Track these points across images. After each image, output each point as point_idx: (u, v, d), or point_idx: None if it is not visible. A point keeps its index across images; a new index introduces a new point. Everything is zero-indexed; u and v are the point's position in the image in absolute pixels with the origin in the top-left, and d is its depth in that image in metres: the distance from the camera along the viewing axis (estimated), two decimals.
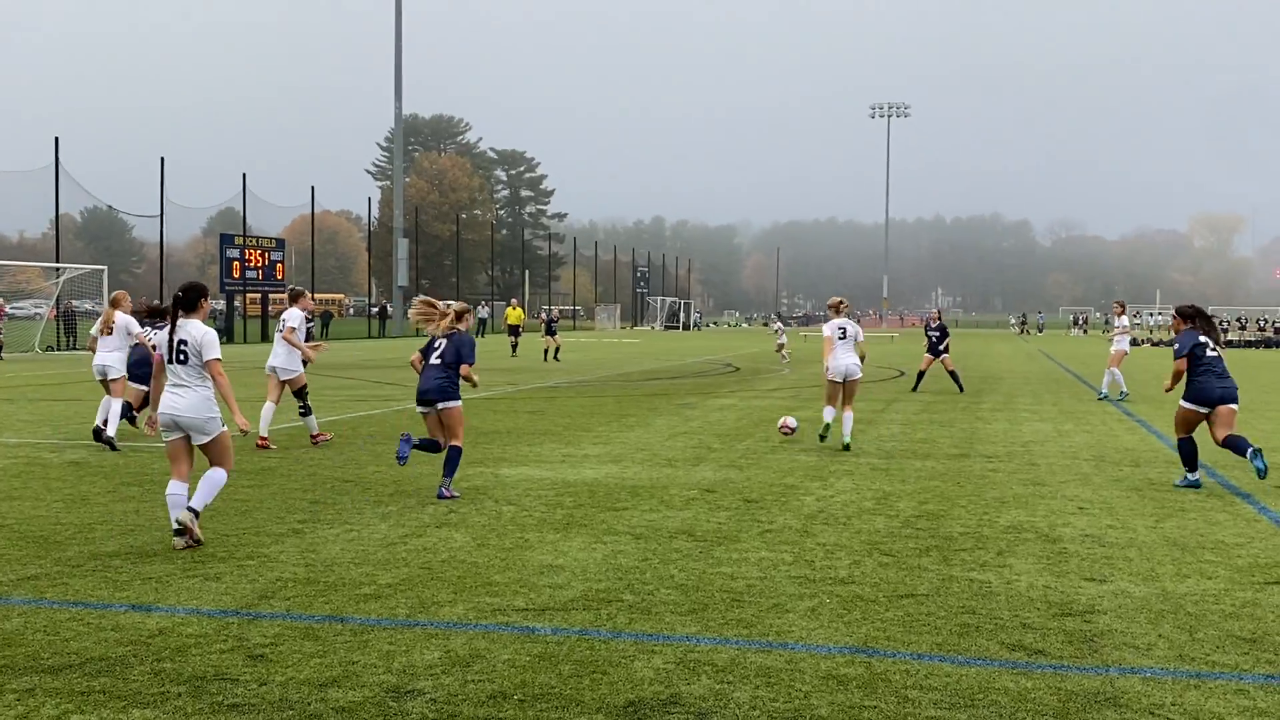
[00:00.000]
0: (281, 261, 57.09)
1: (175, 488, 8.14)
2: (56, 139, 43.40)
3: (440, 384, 10.26)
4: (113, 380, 14.18)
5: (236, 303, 57.13)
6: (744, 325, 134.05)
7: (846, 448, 13.79)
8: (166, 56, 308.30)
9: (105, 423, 13.84)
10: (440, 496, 10.21)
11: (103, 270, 43.04)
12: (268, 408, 14.01)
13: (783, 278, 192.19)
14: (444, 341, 10.40)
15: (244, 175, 54.53)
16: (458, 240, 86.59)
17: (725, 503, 10.21)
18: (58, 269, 43.89)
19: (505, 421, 17.21)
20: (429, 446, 10.41)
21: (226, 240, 53.57)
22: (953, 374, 24.54)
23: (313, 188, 60.39)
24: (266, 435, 13.75)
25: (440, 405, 10.28)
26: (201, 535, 8.19)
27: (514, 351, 39.86)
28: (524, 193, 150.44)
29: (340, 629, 6.16)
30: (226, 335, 53.10)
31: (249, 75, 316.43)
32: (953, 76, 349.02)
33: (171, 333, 8.19)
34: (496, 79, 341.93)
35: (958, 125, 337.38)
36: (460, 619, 6.37)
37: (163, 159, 49.14)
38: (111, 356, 14.33)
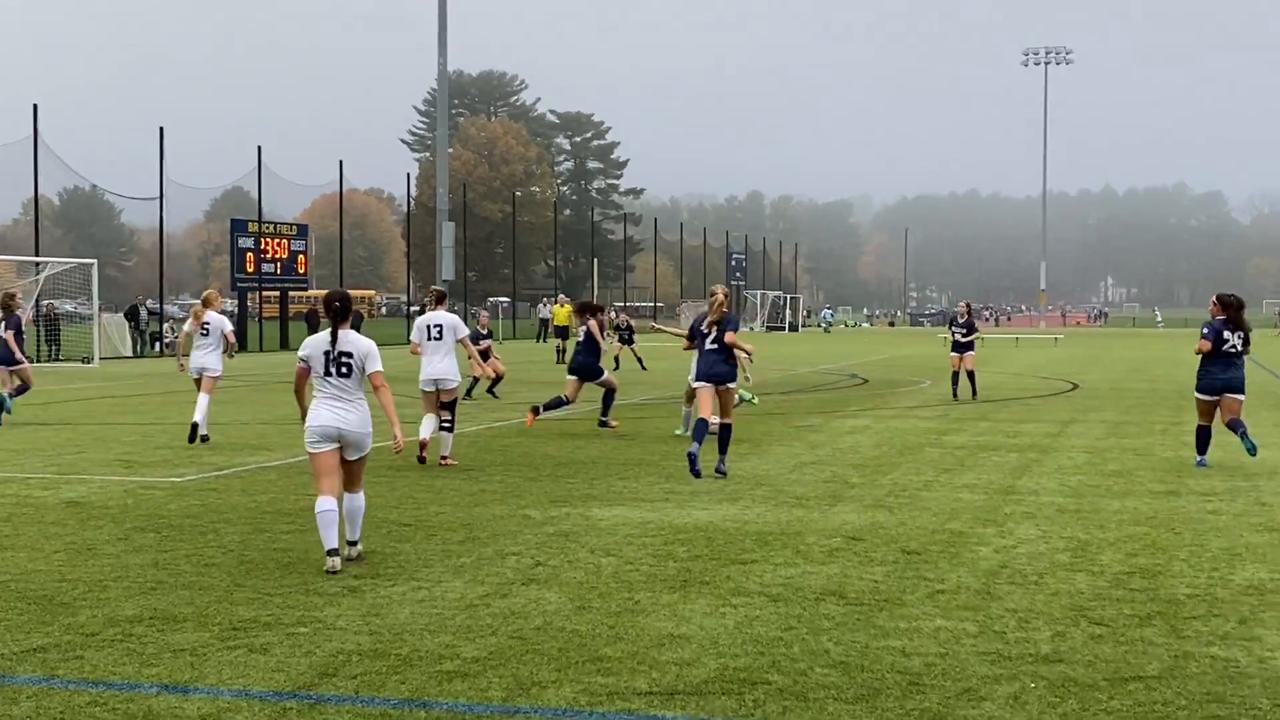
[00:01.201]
0: (304, 252, 57.86)
1: (326, 504, 9.23)
2: (35, 106, 44.46)
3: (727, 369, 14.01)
4: (212, 378, 17.66)
5: (250, 302, 57.96)
6: (864, 325, 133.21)
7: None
8: (158, 10, 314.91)
9: (198, 424, 17.39)
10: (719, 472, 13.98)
11: (91, 264, 43.92)
12: (428, 421, 15.64)
13: (911, 265, 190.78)
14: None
15: (259, 148, 55.36)
16: (513, 223, 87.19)
17: (878, 554, 10.02)
18: (37, 263, 44.86)
19: (589, 448, 17.18)
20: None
21: (238, 227, 54.34)
22: (970, 375, 26.29)
23: (340, 162, 61.15)
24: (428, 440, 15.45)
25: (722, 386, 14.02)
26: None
27: (560, 358, 39.99)
28: (591, 164, 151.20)
29: (423, 717, 6.08)
30: (238, 342, 54.02)
31: (257, 28, 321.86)
32: (1127, 13, 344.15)
33: (333, 344, 9.33)
34: (557, 28, 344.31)
35: (1131, 74, 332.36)
36: (570, 704, 6.26)
37: (161, 129, 50.10)
38: (211, 357, 17.75)
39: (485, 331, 28.09)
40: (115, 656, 7.05)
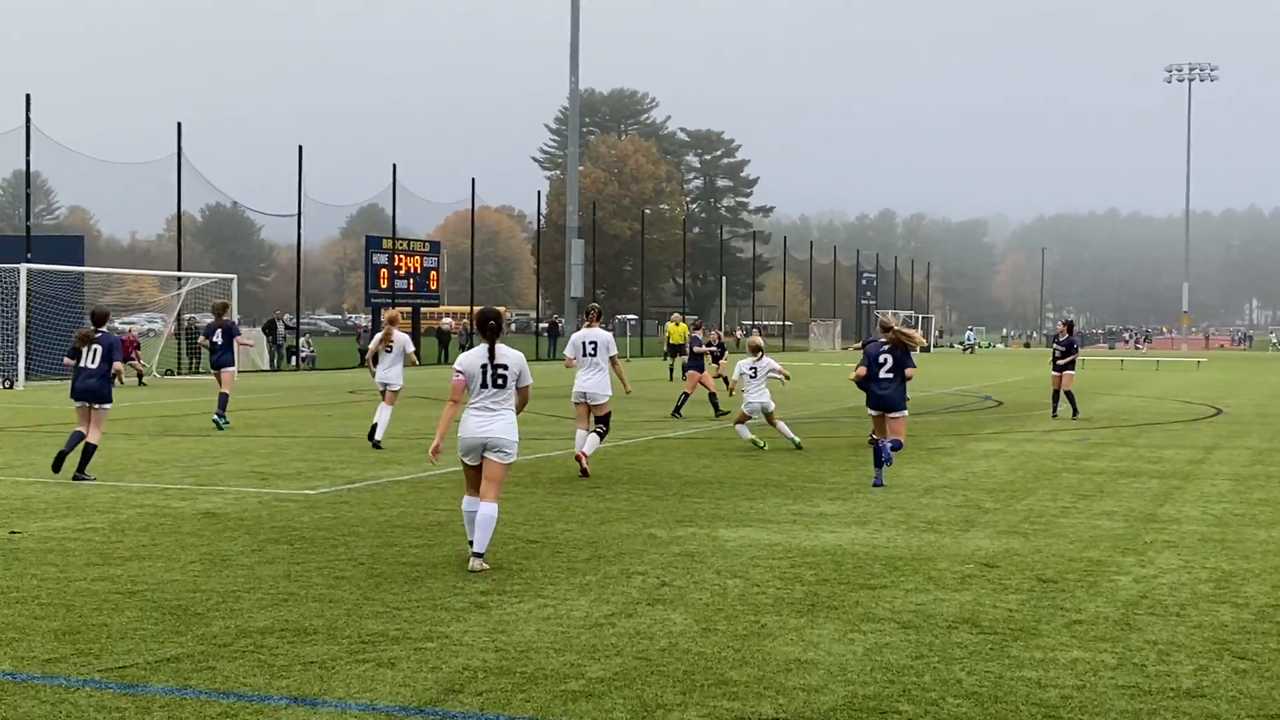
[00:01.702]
0: (436, 269, 58.69)
1: (472, 505, 10.03)
2: (179, 125, 45.74)
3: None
4: (394, 391, 19.37)
5: (382, 317, 58.90)
6: (998, 346, 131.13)
7: None
8: (297, 33, 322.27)
9: (376, 428, 19.14)
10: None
11: (231, 279, 44.99)
12: (581, 434, 16.25)
13: (1047, 286, 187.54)
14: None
15: (394, 166, 56.30)
16: (642, 240, 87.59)
17: (1013, 582, 9.80)
18: (179, 278, 46.08)
19: (714, 468, 17.12)
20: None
21: (373, 243, 55.28)
22: (1068, 395, 26.79)
23: (472, 180, 61.95)
24: (588, 454, 16.00)
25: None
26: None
27: (673, 376, 39.97)
28: (721, 182, 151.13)
29: None
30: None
31: (393, 50, 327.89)
32: (1275, 29, 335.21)
33: (491, 357, 10.02)
34: (687, 46, 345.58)
35: (1278, 91, 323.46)
36: None
37: (300, 148, 51.21)
38: (393, 372, 19.48)
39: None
40: (246, 668, 7.15)
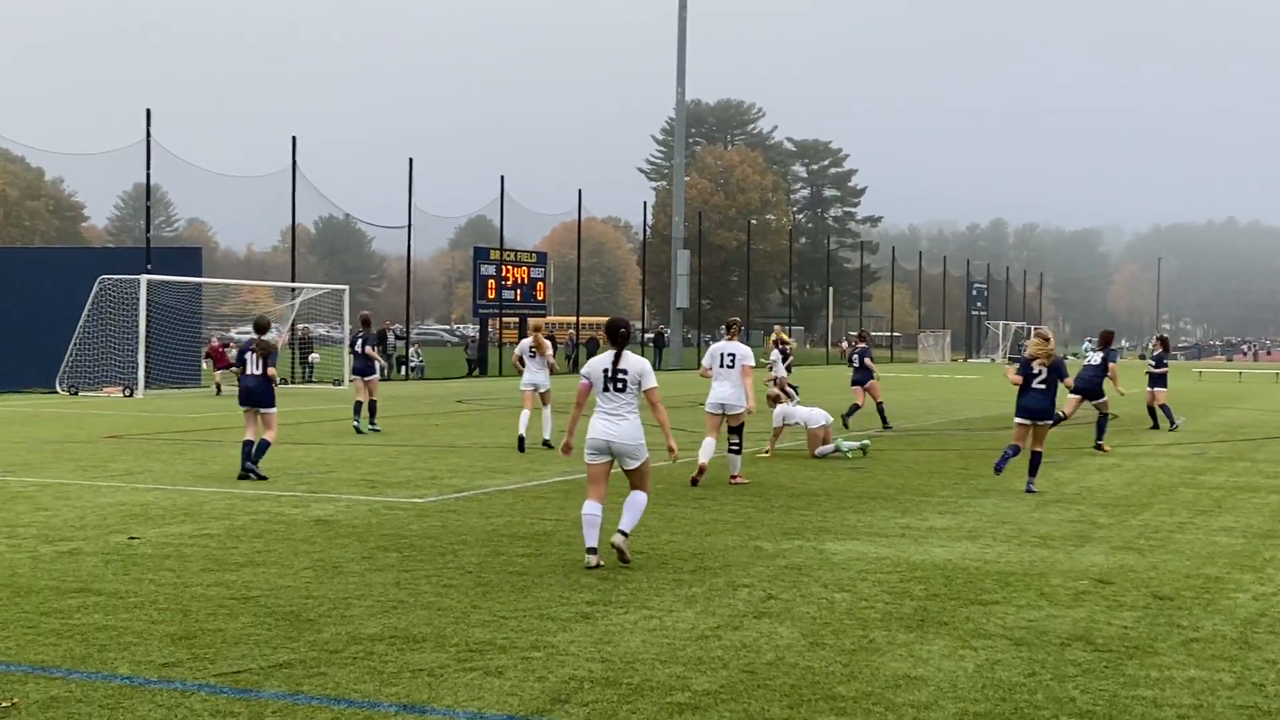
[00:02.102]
0: (542, 279, 59.07)
1: (592, 508, 10.51)
2: (294, 139, 46.53)
3: None
4: (544, 392, 20.92)
5: (491, 327, 59.40)
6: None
7: None
8: (406, 47, 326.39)
9: (530, 432, 20.53)
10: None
11: (343, 290, 45.67)
12: (708, 443, 16.56)
13: (1164, 297, 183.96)
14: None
15: (501, 178, 56.78)
16: (748, 251, 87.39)
17: (1128, 598, 9.61)
18: (293, 289, 46.89)
19: (821, 480, 17.02)
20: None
21: (481, 254, 55.82)
22: (1163, 409, 26.89)
23: (579, 191, 62.23)
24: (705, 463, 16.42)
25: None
26: (630, 556, 10.53)
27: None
28: (828, 192, 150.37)
29: None
30: (479, 366, 55.31)
31: (501, 63, 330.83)
32: None
33: (615, 362, 10.56)
34: (795, 56, 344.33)
35: None
36: None
37: (411, 160, 51.81)
38: (542, 375, 21.00)
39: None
40: (357, 674, 7.24)
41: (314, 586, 9.65)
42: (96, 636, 8.04)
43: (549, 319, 76.43)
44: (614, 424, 10.54)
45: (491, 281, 54.93)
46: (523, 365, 21.33)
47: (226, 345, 37.90)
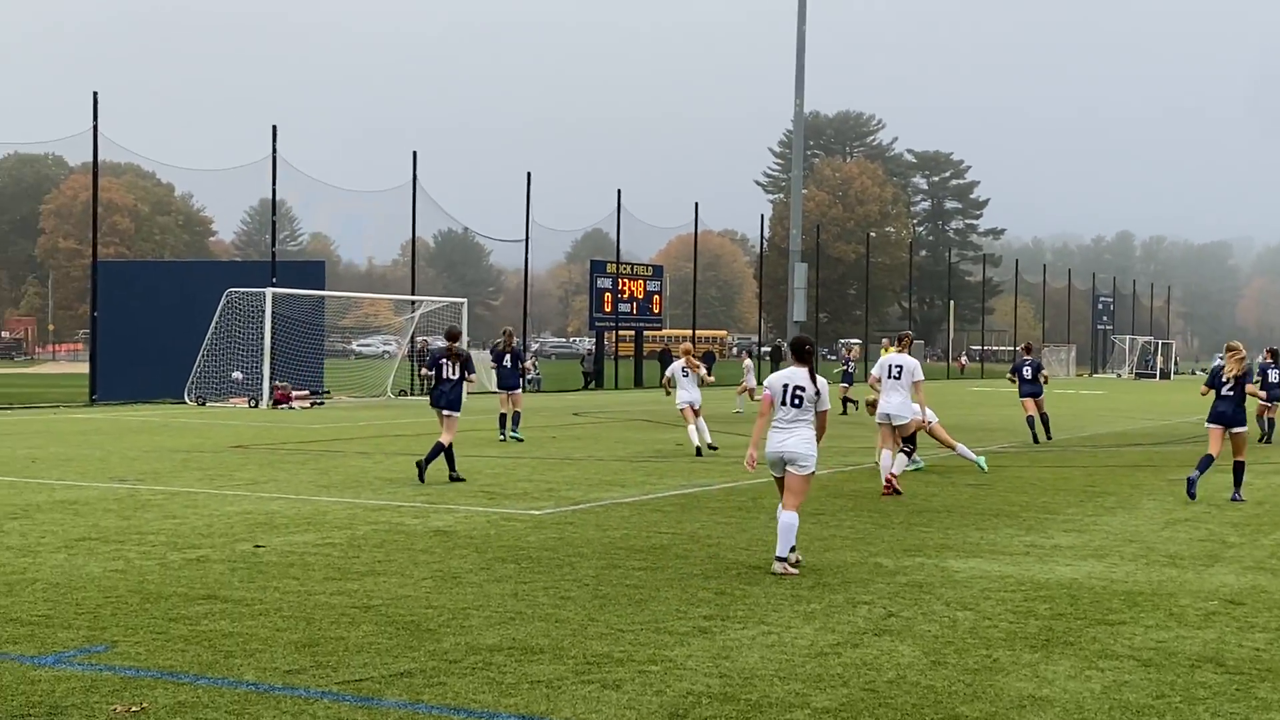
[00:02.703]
0: (659, 293, 59.23)
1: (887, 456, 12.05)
2: (415, 154, 47.25)
3: None
4: (698, 408, 22.49)
5: (606, 340, 59.64)
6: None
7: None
8: (523, 61, 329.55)
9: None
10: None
11: (461, 303, 46.19)
12: (886, 456, 17.07)
13: None
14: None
15: (618, 192, 57.11)
16: (866, 264, 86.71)
17: (1260, 620, 9.34)
18: (413, 302, 47.54)
19: (943, 496, 16.80)
20: None
21: (598, 268, 56.15)
22: (1273, 421, 27.44)
23: (695, 204, 62.34)
24: (896, 474, 16.95)
25: None
26: (796, 569, 10.95)
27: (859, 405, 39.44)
28: (949, 204, 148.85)
29: None
30: (596, 379, 55.53)
31: (617, 76, 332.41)
32: None
33: (797, 379, 11.09)
34: (915, 67, 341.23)
35: None
36: None
37: (529, 174, 52.38)
38: (695, 392, 22.85)
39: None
40: (475, 685, 7.30)
41: (433, 596, 9.75)
42: (223, 643, 8.20)
43: (663, 332, 76.54)
44: (787, 436, 11.03)
45: (608, 294, 55.23)
46: (673, 386, 23.18)
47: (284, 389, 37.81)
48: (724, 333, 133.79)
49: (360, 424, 29.97)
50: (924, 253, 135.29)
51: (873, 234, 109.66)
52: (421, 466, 17.36)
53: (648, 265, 61.53)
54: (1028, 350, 28.84)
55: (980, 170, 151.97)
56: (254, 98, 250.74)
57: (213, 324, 37.45)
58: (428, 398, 20.74)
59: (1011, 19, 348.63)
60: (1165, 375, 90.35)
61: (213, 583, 10.18)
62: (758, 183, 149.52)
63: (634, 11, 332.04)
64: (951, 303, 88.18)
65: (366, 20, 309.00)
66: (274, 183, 41.44)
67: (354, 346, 75.01)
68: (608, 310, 55.37)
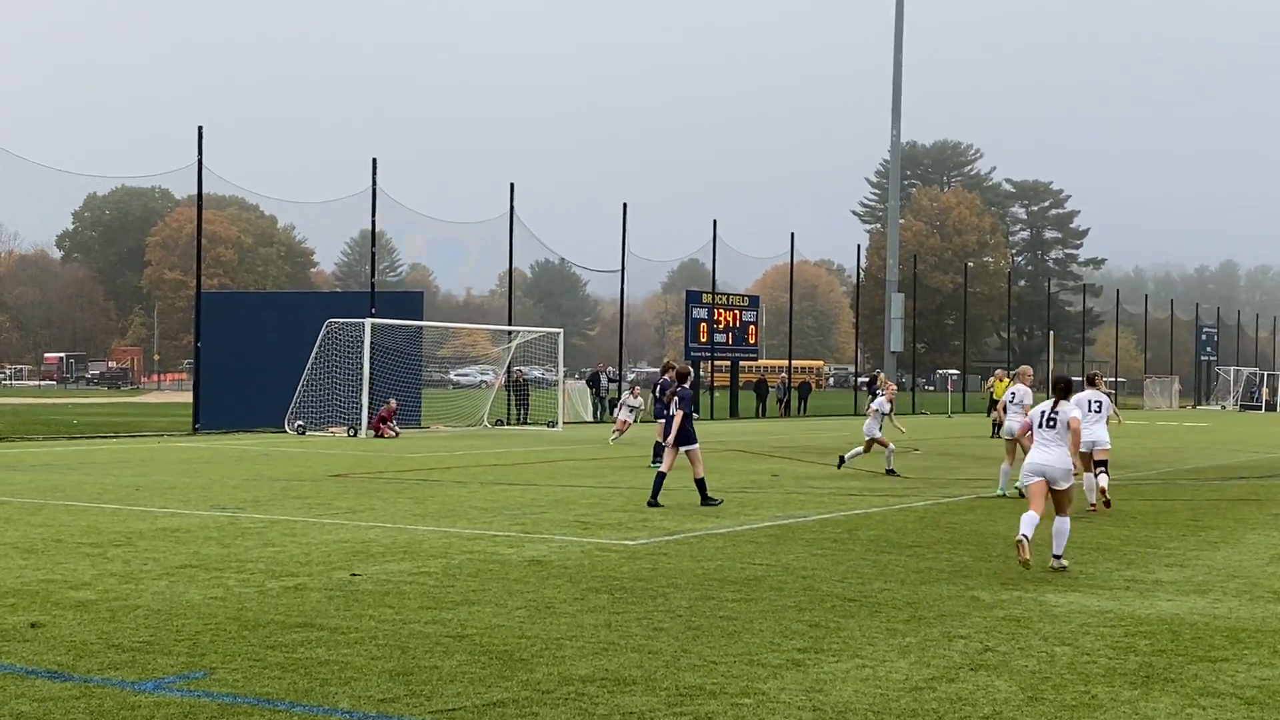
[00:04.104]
0: (754, 323, 59.15)
1: (1031, 517, 12.73)
2: (512, 185, 47.70)
3: None
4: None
5: (703, 371, 59.60)
6: None
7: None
8: (619, 93, 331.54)
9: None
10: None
11: (558, 333, 46.46)
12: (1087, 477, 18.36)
13: None
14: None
15: (714, 222, 57.21)
16: (965, 294, 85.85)
17: None
18: (509, 332, 47.90)
19: (1042, 529, 16.42)
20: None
21: (693, 298, 56.21)
22: None
23: (791, 234, 62.22)
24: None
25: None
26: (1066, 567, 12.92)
27: (995, 431, 38.80)
28: (1048, 234, 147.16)
29: None
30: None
31: (713, 104, 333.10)
32: None
33: (1054, 407, 13.25)
34: (1014, 93, 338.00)
35: None
36: None
37: (625, 205, 52.60)
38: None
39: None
40: (568, 715, 7.31)
41: (527, 626, 9.79)
42: (319, 671, 8.29)
43: (759, 362, 76.30)
44: (1046, 453, 13.11)
45: (704, 325, 55.23)
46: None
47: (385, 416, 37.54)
48: (820, 363, 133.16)
49: (457, 453, 30.20)
50: (1023, 283, 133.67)
51: (970, 264, 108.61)
52: (708, 501, 18.52)
53: (743, 295, 61.38)
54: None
55: (1080, 199, 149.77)
56: (355, 132, 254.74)
57: (313, 354, 37.98)
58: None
59: (1107, 51, 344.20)
60: (1271, 407, 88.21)
61: (309, 611, 10.30)
62: (854, 213, 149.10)
63: (729, 41, 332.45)
64: (1051, 333, 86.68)
65: (466, 56, 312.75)
66: (374, 214, 42.02)
67: (451, 376, 75.68)
68: (703, 340, 55.36)
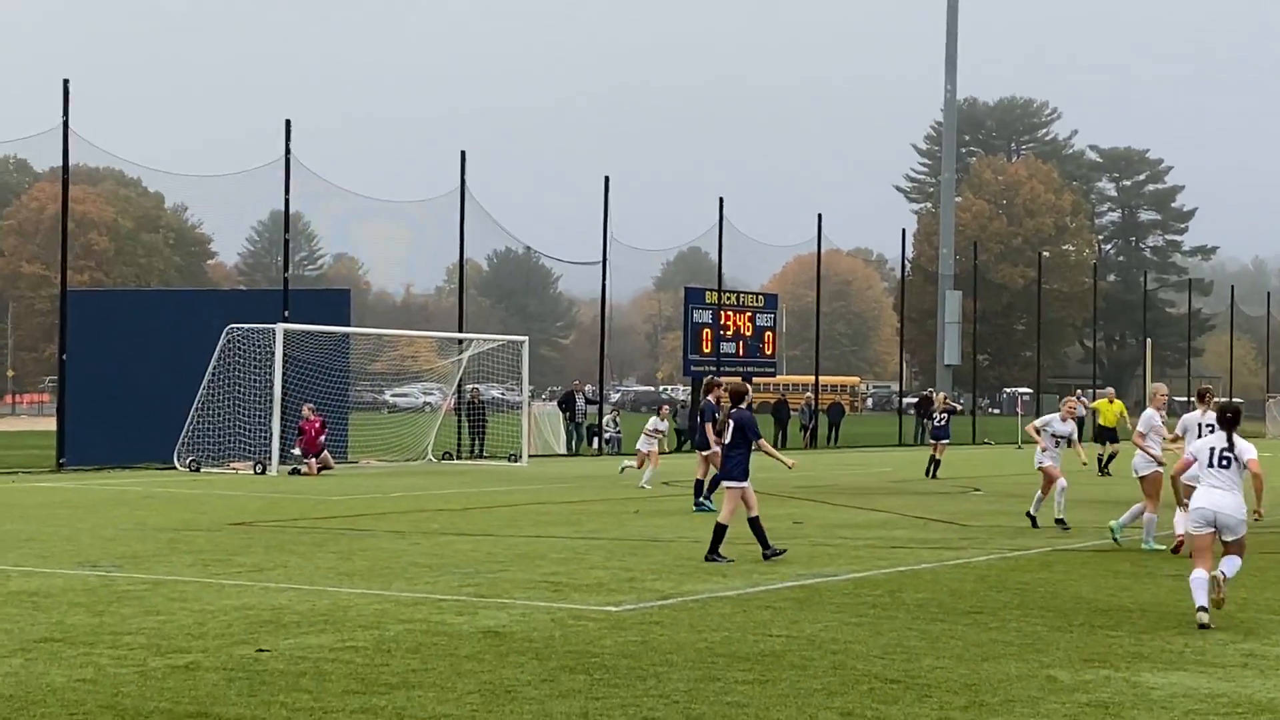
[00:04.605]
0: (771, 328, 59.14)
1: (1200, 575, 13.80)
2: (463, 154, 47.70)
3: None
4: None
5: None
6: None
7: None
8: (595, 35, 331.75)
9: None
10: None
11: (522, 342, 46.37)
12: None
13: None
14: None
15: (720, 200, 57.30)
16: (1039, 291, 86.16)
17: None
18: (460, 340, 47.85)
19: (1135, 591, 16.62)
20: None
21: (694, 296, 56.24)
22: None
23: (819, 216, 62.37)
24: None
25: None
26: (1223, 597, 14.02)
27: (1102, 468, 38.76)
28: (1144, 215, 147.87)
29: None
30: (691, 438, 55.40)
31: (716, 52, 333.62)
32: None
33: (1224, 443, 14.30)
34: (1098, 41, 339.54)
35: None
36: None
37: (606, 179, 52.66)
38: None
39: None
40: None
41: (480, 714, 9.79)
42: None
43: (779, 379, 76.38)
44: (1218, 497, 14.11)
45: (707, 331, 55.21)
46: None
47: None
48: (856, 379, 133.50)
49: (393, 495, 30.21)
50: (1113, 277, 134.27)
51: (1046, 253, 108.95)
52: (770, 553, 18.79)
53: (758, 294, 61.48)
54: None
55: (1184, 173, 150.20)
56: (265, 90, 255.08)
57: (209, 369, 37.89)
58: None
59: None
60: None
61: (204, 696, 10.28)
62: (899, 189, 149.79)
63: None
64: (1149, 341, 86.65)
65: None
66: (286, 191, 41.86)
67: (388, 397, 75.75)
68: (707, 350, 55.34)
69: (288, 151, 41.40)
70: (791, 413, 61.59)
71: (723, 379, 26.64)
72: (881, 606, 14.99)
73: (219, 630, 13.06)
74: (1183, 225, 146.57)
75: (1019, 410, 76.05)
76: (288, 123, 41.54)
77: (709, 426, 25.15)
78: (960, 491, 32.92)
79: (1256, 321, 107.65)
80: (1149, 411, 21.46)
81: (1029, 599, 15.82)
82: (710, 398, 25.70)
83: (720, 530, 18.66)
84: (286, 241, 47.76)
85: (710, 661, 11.83)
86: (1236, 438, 14.29)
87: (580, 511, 26.59)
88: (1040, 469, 24.11)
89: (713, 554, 18.58)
